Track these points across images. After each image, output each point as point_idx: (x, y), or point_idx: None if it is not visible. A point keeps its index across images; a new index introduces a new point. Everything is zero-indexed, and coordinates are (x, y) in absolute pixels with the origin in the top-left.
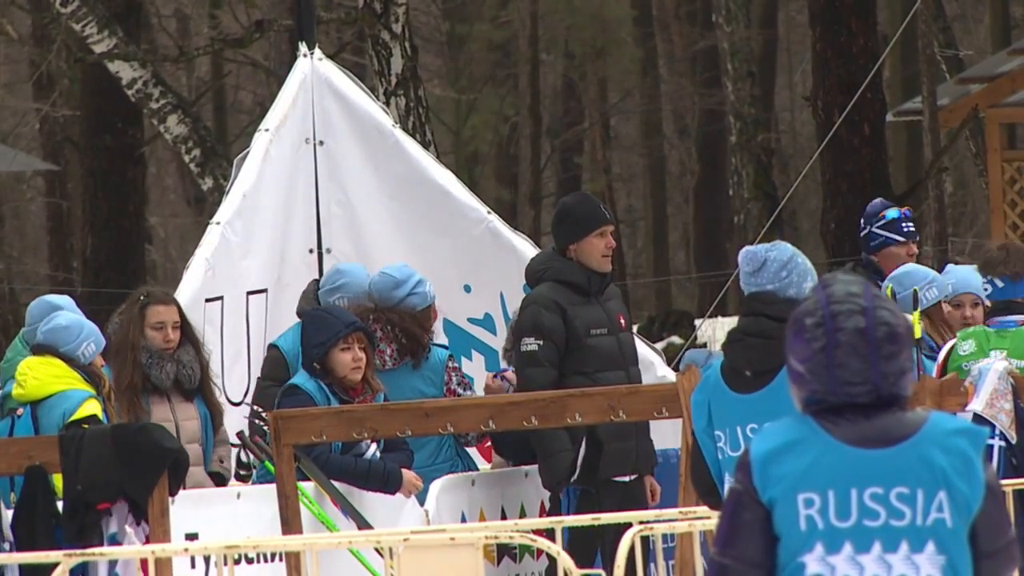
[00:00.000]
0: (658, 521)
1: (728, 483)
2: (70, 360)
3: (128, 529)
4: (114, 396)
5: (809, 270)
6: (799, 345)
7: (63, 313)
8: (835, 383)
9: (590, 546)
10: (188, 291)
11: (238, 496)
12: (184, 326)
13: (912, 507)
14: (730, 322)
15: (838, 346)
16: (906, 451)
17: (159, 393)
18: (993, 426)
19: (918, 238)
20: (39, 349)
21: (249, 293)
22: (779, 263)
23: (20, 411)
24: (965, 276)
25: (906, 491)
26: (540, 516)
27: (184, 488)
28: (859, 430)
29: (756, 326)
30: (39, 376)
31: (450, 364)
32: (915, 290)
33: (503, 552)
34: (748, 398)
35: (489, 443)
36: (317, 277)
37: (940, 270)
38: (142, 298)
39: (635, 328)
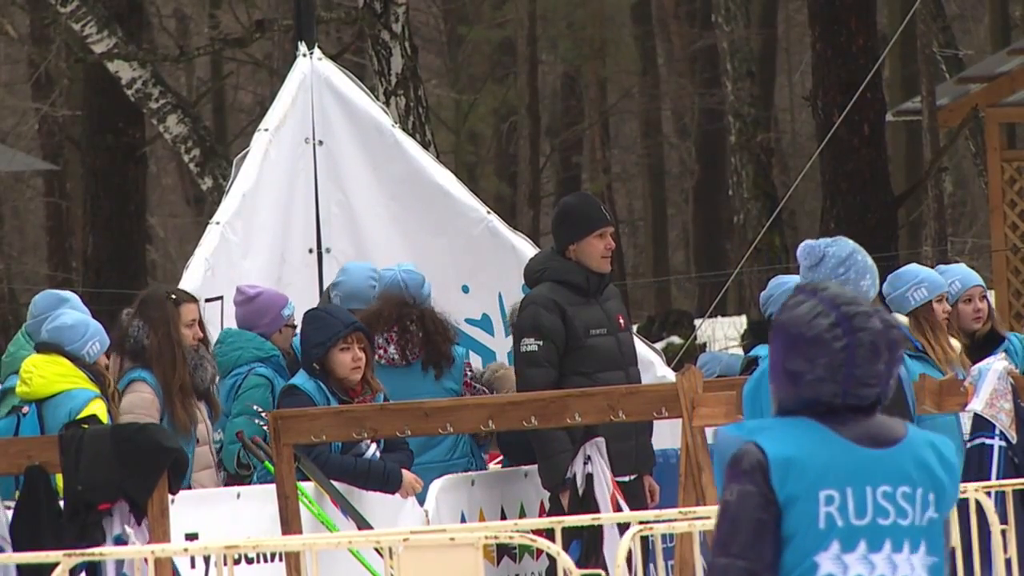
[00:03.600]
0: (658, 521)
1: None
2: (75, 359)
3: (128, 529)
4: (164, 398)
5: (868, 268)
6: (811, 346)
7: (68, 312)
8: (850, 384)
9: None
10: (188, 290)
11: (238, 496)
12: (201, 324)
13: (913, 506)
14: (730, 322)
15: (860, 346)
16: (903, 451)
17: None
18: (993, 426)
19: None
20: (44, 347)
21: None
22: (837, 259)
23: (26, 409)
24: (968, 272)
25: (908, 490)
26: (540, 516)
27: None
28: (862, 430)
29: None
30: (45, 375)
31: (466, 359)
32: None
33: (503, 552)
34: None
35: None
36: (318, 277)
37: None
38: (173, 297)
39: (635, 328)
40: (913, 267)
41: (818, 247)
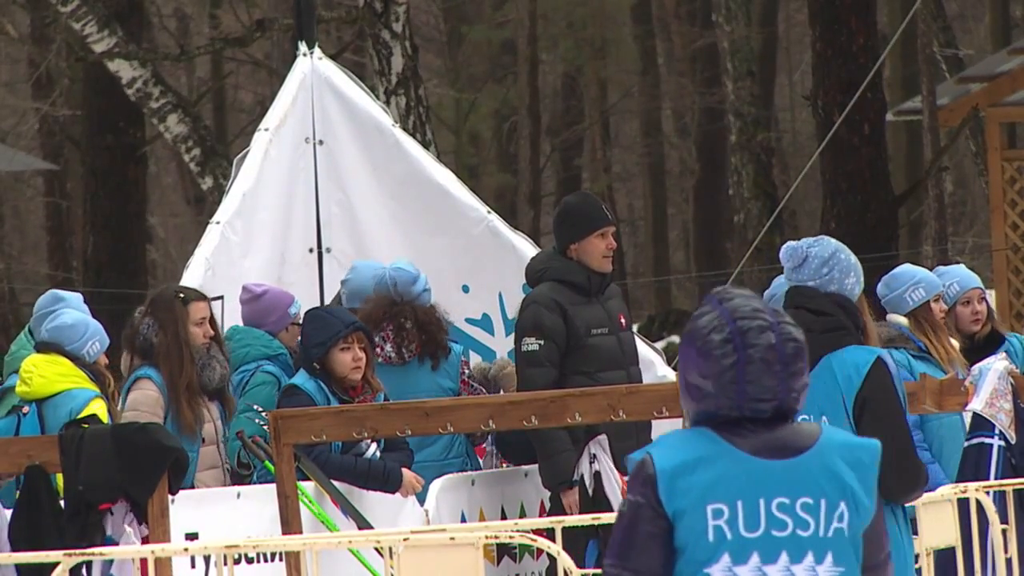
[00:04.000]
0: None
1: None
2: (75, 359)
3: (128, 528)
4: (170, 396)
5: (852, 266)
6: (704, 361)
7: (68, 311)
8: (744, 399)
9: (578, 542)
10: None
11: (238, 496)
12: (212, 322)
13: (816, 517)
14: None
15: (750, 362)
16: (809, 461)
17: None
18: (993, 425)
19: None
20: (44, 347)
21: None
22: (820, 259)
23: (26, 409)
24: (967, 274)
25: (810, 501)
26: (540, 516)
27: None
28: (762, 441)
29: (797, 319)
30: (45, 374)
31: (463, 357)
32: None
33: (503, 552)
34: None
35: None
36: (318, 276)
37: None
38: (181, 295)
39: (635, 327)
40: (908, 267)
41: (801, 248)
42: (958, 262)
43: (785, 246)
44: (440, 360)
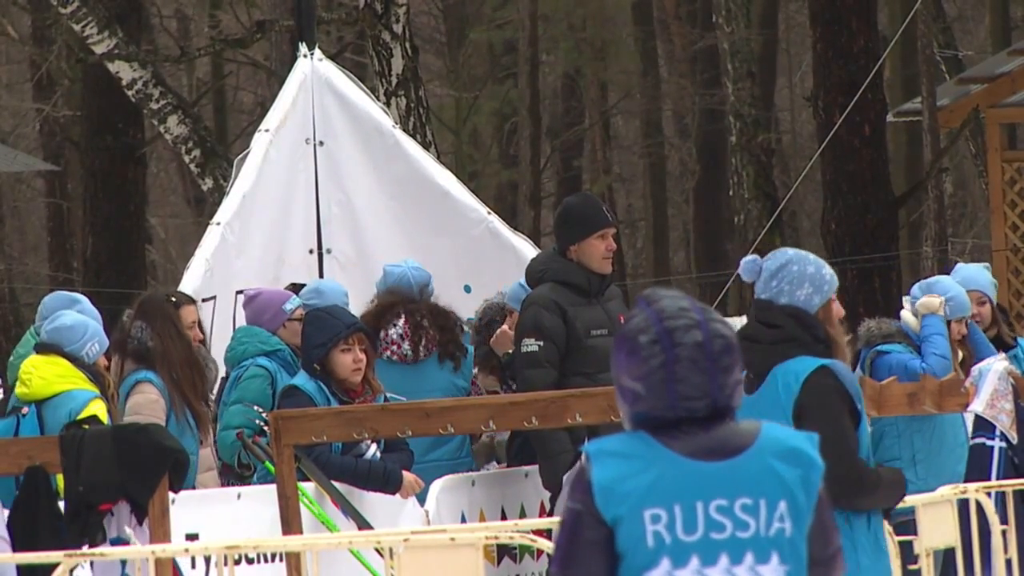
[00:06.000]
0: None
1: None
2: (75, 360)
3: (129, 530)
4: (178, 398)
5: (808, 276)
6: (634, 363)
7: (68, 313)
8: (675, 398)
9: None
10: (188, 291)
11: (238, 496)
12: (199, 326)
13: (756, 518)
14: (730, 322)
15: (678, 361)
16: (747, 461)
17: None
18: (994, 427)
19: None
20: (43, 348)
21: (238, 293)
22: (769, 272)
23: (25, 410)
24: (972, 274)
25: (749, 502)
26: (540, 516)
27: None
28: (698, 443)
29: (749, 329)
30: (44, 375)
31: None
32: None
33: (503, 552)
34: (748, 399)
35: None
36: (318, 277)
37: (942, 270)
38: (172, 299)
39: None
40: (947, 282)
41: (757, 263)
42: (956, 262)
43: (742, 262)
44: (460, 361)
